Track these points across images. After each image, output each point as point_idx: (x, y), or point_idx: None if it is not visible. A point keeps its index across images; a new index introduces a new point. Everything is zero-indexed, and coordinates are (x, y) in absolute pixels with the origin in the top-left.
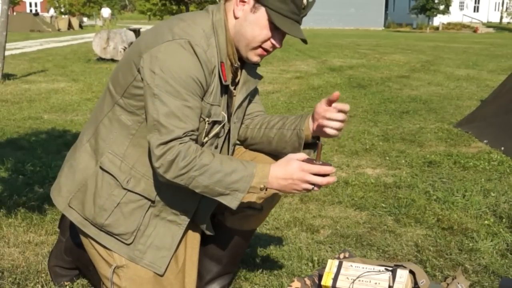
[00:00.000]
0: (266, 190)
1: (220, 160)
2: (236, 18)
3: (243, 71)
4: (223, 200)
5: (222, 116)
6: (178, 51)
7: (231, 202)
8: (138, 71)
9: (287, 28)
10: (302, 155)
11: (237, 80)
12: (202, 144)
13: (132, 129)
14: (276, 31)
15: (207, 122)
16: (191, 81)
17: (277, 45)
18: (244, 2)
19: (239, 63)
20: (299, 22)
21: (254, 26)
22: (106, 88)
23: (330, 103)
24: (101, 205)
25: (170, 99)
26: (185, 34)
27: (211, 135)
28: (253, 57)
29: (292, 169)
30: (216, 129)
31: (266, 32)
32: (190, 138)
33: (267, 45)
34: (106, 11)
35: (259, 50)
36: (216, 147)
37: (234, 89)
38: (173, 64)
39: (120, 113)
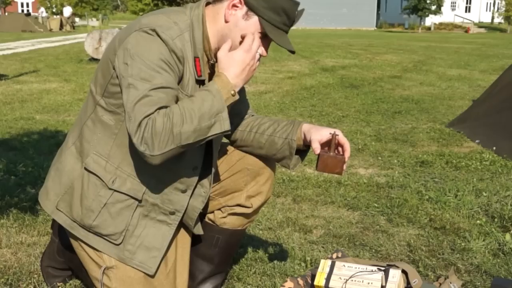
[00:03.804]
0: (239, 92)
1: (186, 101)
2: (226, 22)
3: None
4: (215, 130)
5: None
6: (145, 38)
7: (222, 126)
8: (114, 68)
9: (279, 39)
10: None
11: (216, 71)
12: None
13: (114, 128)
14: (264, 40)
15: None
16: (163, 64)
17: (263, 54)
18: (237, 7)
19: (215, 60)
20: (287, 33)
21: (244, 33)
22: (89, 90)
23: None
24: (88, 206)
25: (144, 85)
26: (152, 24)
27: None
28: None
29: (240, 58)
30: None
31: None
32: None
33: None
34: (67, 10)
35: None
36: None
37: None
38: (143, 51)
39: (102, 113)
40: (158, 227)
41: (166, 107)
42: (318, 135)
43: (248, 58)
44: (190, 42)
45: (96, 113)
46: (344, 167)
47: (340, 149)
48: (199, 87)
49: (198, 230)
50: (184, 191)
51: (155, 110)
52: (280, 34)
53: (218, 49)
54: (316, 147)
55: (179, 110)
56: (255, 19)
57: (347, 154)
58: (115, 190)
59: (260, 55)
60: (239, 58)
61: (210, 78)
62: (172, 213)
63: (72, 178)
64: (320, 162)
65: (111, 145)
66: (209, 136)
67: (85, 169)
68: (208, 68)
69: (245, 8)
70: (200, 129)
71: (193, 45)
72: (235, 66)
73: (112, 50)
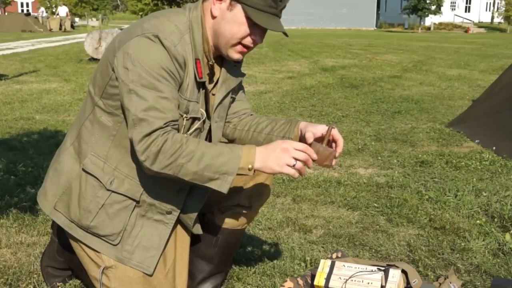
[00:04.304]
0: (254, 171)
1: (205, 145)
2: (213, 17)
3: (223, 69)
4: (213, 185)
5: (201, 112)
6: (147, 44)
7: (222, 186)
8: (113, 70)
9: (265, 23)
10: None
11: (215, 79)
12: None
13: (113, 130)
14: (255, 27)
15: (185, 119)
16: (164, 72)
17: (258, 41)
18: (221, 0)
19: (214, 61)
20: (278, 16)
21: (232, 23)
22: (87, 91)
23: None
24: (85, 207)
25: (146, 93)
26: (154, 29)
27: (190, 131)
28: (234, 54)
29: (275, 144)
30: (196, 125)
31: (244, 29)
32: (172, 127)
33: (247, 41)
34: (63, 10)
35: (239, 47)
36: None
37: (214, 87)
38: (144, 58)
39: (100, 114)
40: (155, 227)
41: (173, 122)
42: (314, 129)
43: (280, 147)
44: (191, 44)
45: (95, 114)
46: (334, 162)
47: (333, 144)
48: (199, 90)
49: (197, 230)
50: (180, 191)
51: (164, 124)
52: (268, 17)
53: (214, 46)
54: (309, 137)
55: (193, 147)
56: (238, 7)
57: (339, 149)
58: (113, 191)
59: (249, 45)
60: (275, 144)
61: (210, 79)
62: (169, 213)
63: (70, 179)
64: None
65: (109, 146)
66: (204, 186)
67: (83, 170)
68: (208, 69)
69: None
70: (200, 175)
71: (193, 47)
72: (268, 147)
73: (112, 52)
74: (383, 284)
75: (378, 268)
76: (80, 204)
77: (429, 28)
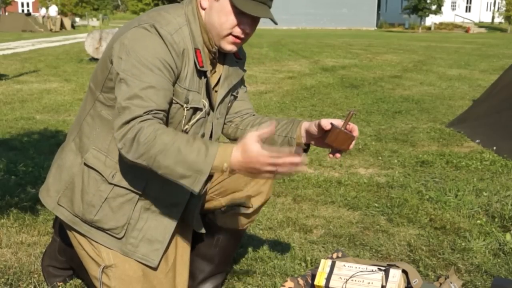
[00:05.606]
0: (231, 171)
1: (182, 138)
2: (203, 9)
3: (225, 66)
4: (185, 183)
5: (203, 103)
6: (143, 34)
7: (194, 184)
8: (111, 62)
9: (251, 10)
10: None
11: (218, 70)
12: (185, 133)
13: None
14: (243, 16)
15: (185, 109)
16: (158, 62)
17: (247, 30)
18: None
19: (216, 47)
20: (266, 4)
21: (219, 13)
22: (87, 87)
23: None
24: (89, 201)
25: (134, 82)
26: (151, 20)
27: (192, 122)
28: (226, 45)
29: (251, 154)
30: (198, 115)
31: (232, 18)
32: (154, 116)
33: (237, 31)
34: (53, 9)
35: (231, 38)
36: (202, 137)
37: (216, 84)
38: (139, 48)
39: (101, 108)
40: (160, 220)
41: (156, 111)
42: (325, 120)
43: (257, 159)
44: (189, 35)
45: (95, 108)
46: (351, 145)
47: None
48: (200, 79)
49: (200, 228)
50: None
51: (144, 113)
52: (255, 5)
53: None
54: (326, 124)
55: (168, 139)
56: None
57: (356, 133)
58: (115, 185)
59: (240, 35)
60: (251, 153)
61: (213, 67)
62: (174, 206)
63: (72, 174)
64: (332, 134)
65: (110, 139)
66: (177, 182)
67: (85, 164)
68: (210, 58)
69: None
70: (172, 170)
71: (192, 38)
72: (243, 154)
73: (110, 47)
74: (384, 284)
75: (378, 268)
76: (83, 198)
77: (429, 28)
